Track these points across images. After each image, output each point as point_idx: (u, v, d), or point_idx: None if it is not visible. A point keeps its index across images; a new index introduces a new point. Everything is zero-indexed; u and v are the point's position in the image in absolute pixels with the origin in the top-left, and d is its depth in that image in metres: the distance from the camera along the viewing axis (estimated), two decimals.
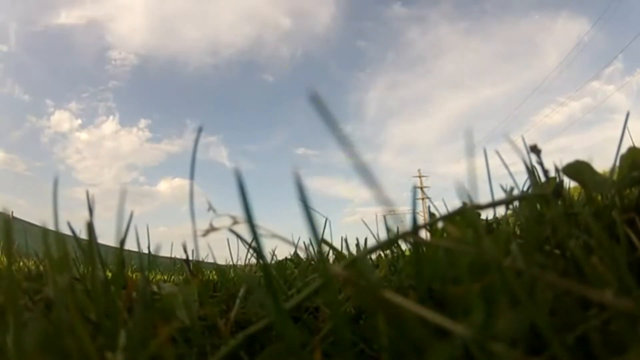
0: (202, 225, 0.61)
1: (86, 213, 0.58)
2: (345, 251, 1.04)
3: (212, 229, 0.58)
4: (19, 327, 0.36)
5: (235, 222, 0.57)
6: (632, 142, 0.73)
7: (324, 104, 0.31)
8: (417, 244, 0.41)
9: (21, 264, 1.51)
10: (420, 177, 31.86)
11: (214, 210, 0.59)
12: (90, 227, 0.52)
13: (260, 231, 0.32)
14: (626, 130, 0.70)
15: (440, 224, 0.51)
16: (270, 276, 0.32)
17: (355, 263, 0.41)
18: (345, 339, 0.29)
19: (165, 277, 1.55)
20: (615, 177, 0.64)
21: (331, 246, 0.60)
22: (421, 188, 30.26)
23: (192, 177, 0.56)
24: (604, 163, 0.75)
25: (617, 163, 0.65)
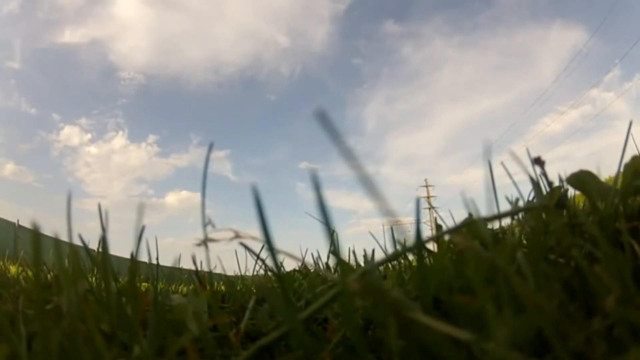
0: (211, 236, 0.62)
1: (95, 224, 0.59)
2: (353, 262, 1.04)
3: (208, 239, 0.59)
4: (39, 336, 0.37)
5: (236, 236, 0.58)
6: (637, 150, 0.74)
7: (328, 119, 0.33)
8: (421, 255, 0.42)
9: (29, 273, 1.52)
10: (427, 186, 31.72)
11: (213, 225, 0.60)
12: (104, 241, 0.54)
13: (273, 247, 0.33)
14: (628, 139, 0.71)
15: (447, 236, 0.52)
16: (285, 287, 0.33)
17: (366, 274, 0.42)
18: (359, 345, 0.30)
19: (172, 288, 1.56)
20: (618, 185, 0.64)
21: (342, 260, 0.61)
22: (428, 198, 30.11)
23: (203, 193, 0.57)
24: (606, 170, 0.75)
25: (621, 170, 0.66)
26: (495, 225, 0.71)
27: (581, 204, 0.77)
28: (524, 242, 0.67)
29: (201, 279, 0.83)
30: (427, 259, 0.55)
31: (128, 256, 0.58)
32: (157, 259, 0.88)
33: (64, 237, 0.57)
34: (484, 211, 0.52)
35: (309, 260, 1.25)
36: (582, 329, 0.32)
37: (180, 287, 1.54)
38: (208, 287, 0.80)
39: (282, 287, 0.33)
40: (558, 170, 0.68)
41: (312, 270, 0.94)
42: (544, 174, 0.61)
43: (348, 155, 0.33)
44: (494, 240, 0.60)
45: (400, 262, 0.91)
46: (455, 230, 0.49)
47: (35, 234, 0.34)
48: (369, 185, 0.33)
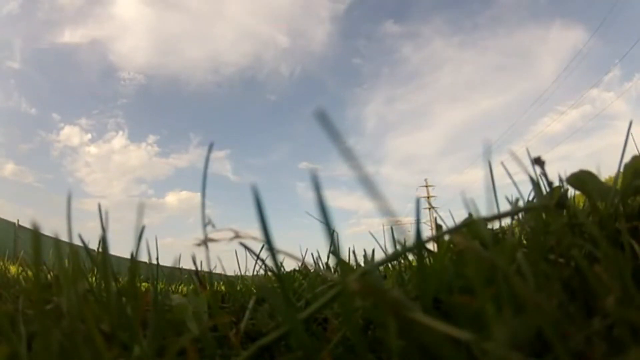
0: (210, 236, 0.62)
1: (95, 224, 0.59)
2: (353, 263, 1.05)
3: (208, 239, 0.59)
4: (39, 337, 0.37)
5: (236, 236, 0.59)
6: (637, 150, 0.74)
7: (328, 119, 0.33)
8: (421, 255, 0.42)
9: (29, 273, 1.52)
10: (427, 186, 31.69)
11: (213, 225, 0.60)
12: (104, 241, 0.54)
13: (273, 247, 0.34)
14: (628, 139, 0.71)
15: (447, 236, 0.52)
16: (284, 287, 0.33)
17: (367, 275, 0.42)
18: (359, 345, 0.30)
19: (173, 288, 1.56)
20: (618, 185, 0.64)
21: (342, 261, 0.61)
22: (428, 198, 30.11)
23: (203, 193, 0.57)
24: (606, 170, 0.75)
25: (621, 170, 0.66)
26: (496, 225, 0.71)
27: (581, 204, 0.77)
28: (524, 242, 0.67)
29: (201, 279, 0.83)
30: (427, 259, 0.55)
31: (128, 256, 0.58)
32: (157, 259, 0.88)
33: (64, 237, 0.57)
34: (484, 211, 0.52)
35: (309, 260, 1.25)
36: (582, 329, 0.32)
37: (180, 287, 1.54)
38: (208, 287, 0.80)
39: (281, 287, 0.33)
40: (558, 170, 0.68)
41: (312, 271, 0.94)
42: (544, 174, 0.61)
43: (348, 155, 0.33)
44: (494, 241, 0.60)
45: (400, 262, 0.91)
46: (455, 231, 0.49)
47: (35, 234, 0.34)
48: (369, 186, 0.33)
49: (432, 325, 0.30)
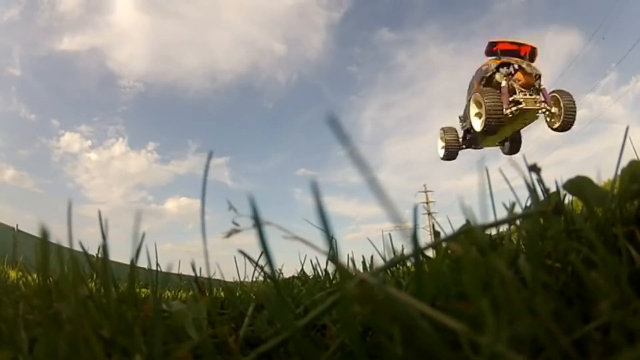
0: (210, 242, 0.63)
1: (95, 229, 0.60)
2: (351, 269, 1.05)
3: (234, 230, 0.60)
4: (40, 342, 0.38)
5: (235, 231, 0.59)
6: (635, 154, 0.74)
7: (338, 123, 0.33)
8: (419, 262, 0.43)
9: (29, 278, 1.52)
10: (425, 192, 31.63)
11: (235, 210, 0.61)
12: (104, 248, 0.54)
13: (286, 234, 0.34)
14: (626, 143, 0.71)
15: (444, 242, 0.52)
16: (282, 294, 0.33)
17: (366, 281, 0.42)
18: (358, 351, 0.30)
19: (172, 294, 1.56)
20: (616, 190, 0.65)
21: (340, 267, 0.62)
22: (427, 203, 30.06)
23: (203, 200, 0.58)
24: (606, 174, 0.76)
25: (618, 174, 0.66)
26: (493, 231, 0.72)
27: (579, 209, 0.77)
28: (522, 247, 0.67)
29: (200, 285, 0.83)
30: (425, 266, 0.56)
31: (128, 262, 0.59)
32: (157, 265, 0.89)
33: (64, 243, 0.57)
34: (480, 217, 0.53)
35: (308, 267, 1.25)
36: (577, 333, 0.32)
37: (179, 293, 1.54)
38: (207, 294, 0.80)
39: (279, 294, 0.34)
40: (555, 175, 0.68)
41: (311, 277, 0.94)
42: (541, 181, 0.62)
43: (357, 159, 0.33)
44: (491, 247, 0.60)
45: (398, 268, 0.91)
46: (452, 237, 0.50)
47: (43, 240, 0.34)
48: (377, 190, 0.33)
49: (428, 313, 0.30)
